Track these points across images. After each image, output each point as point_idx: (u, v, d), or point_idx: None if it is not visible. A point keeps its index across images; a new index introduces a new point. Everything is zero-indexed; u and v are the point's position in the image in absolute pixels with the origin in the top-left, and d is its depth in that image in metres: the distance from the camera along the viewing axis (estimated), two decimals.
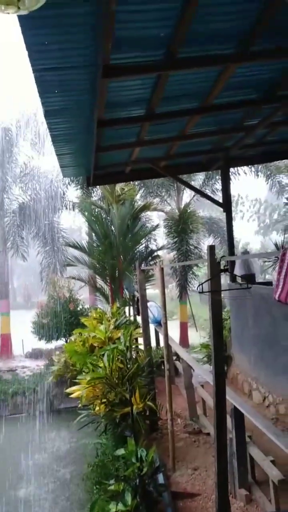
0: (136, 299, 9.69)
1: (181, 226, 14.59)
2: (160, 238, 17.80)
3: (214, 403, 3.41)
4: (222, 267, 3.38)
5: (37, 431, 10.52)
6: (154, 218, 18.54)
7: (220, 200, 8.99)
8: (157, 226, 16.01)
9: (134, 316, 10.45)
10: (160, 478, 5.00)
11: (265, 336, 7.06)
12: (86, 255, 13.76)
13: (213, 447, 3.55)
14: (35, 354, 16.41)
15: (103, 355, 6.12)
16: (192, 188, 10.82)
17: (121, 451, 5.05)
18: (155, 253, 14.87)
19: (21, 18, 2.92)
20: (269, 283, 8.41)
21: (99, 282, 14.27)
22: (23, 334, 16.59)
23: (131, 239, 12.85)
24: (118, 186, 13.37)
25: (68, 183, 17.67)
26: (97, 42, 3.44)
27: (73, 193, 18.67)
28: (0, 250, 18.98)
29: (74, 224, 38.97)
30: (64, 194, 18.81)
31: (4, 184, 18.51)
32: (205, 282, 3.37)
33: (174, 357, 9.51)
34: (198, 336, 15.07)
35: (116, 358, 5.87)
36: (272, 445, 3.87)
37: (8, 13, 2.12)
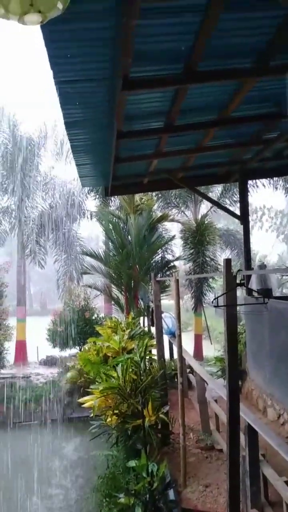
0: (151, 309, 9.66)
1: (198, 238, 14.55)
2: (177, 249, 17.79)
3: (227, 419, 3.35)
4: (238, 281, 3.35)
5: (48, 440, 10.51)
6: (172, 228, 18.52)
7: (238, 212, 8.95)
8: (173, 237, 16.00)
9: (148, 326, 10.41)
10: (171, 494, 4.91)
11: (282, 352, 6.91)
12: (102, 264, 13.83)
13: (226, 464, 3.48)
14: (49, 362, 16.48)
15: (116, 365, 6.10)
16: (209, 199, 10.79)
17: (132, 463, 5.00)
18: (171, 264, 14.83)
19: (44, 31, 2.99)
20: (286, 298, 8.26)
21: (115, 291, 14.29)
22: (38, 341, 16.70)
23: (147, 249, 12.85)
24: (137, 196, 13.45)
25: (88, 192, 17.89)
26: (117, 56, 3.50)
27: (92, 202, 18.90)
28: (18, 257, 19.27)
29: (92, 233, 39.28)
30: (82, 203, 19.05)
31: (27, 192, 18.86)
32: (220, 296, 3.33)
33: (188, 370, 9.40)
34: (213, 348, 14.88)
35: (130, 369, 5.83)
36: (286, 465, 3.77)
37: (38, 22, 2.13)
